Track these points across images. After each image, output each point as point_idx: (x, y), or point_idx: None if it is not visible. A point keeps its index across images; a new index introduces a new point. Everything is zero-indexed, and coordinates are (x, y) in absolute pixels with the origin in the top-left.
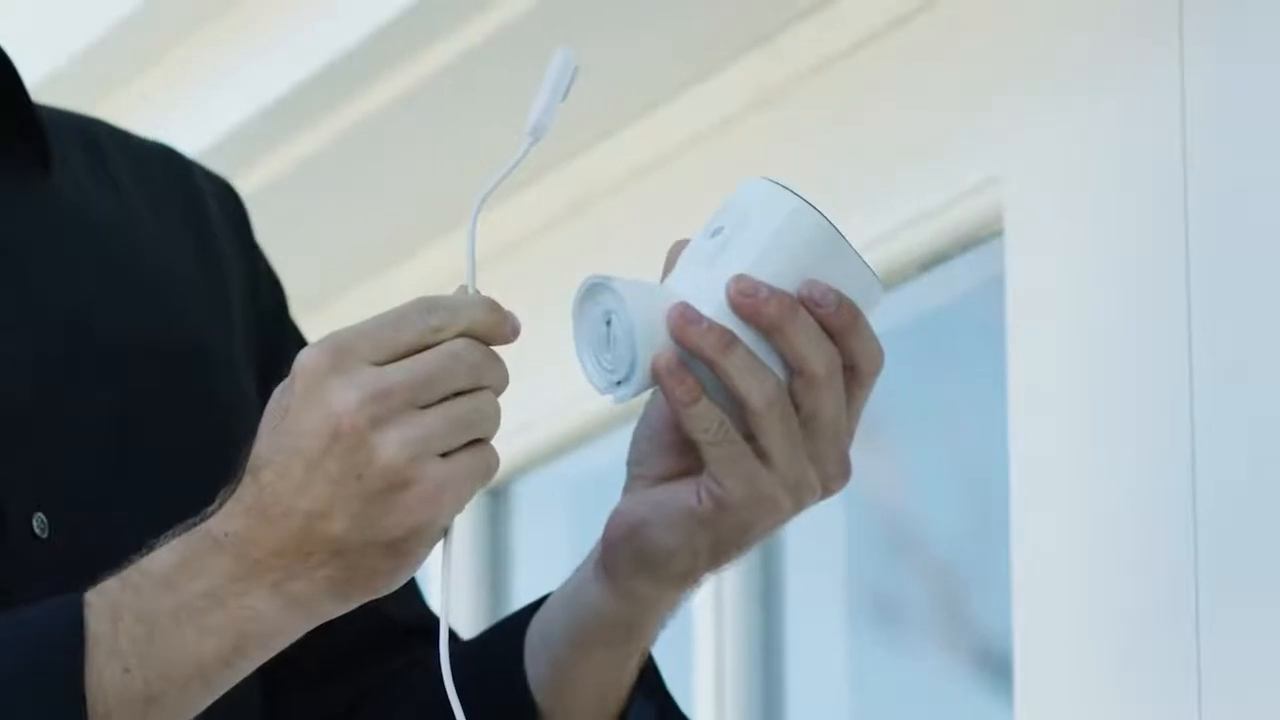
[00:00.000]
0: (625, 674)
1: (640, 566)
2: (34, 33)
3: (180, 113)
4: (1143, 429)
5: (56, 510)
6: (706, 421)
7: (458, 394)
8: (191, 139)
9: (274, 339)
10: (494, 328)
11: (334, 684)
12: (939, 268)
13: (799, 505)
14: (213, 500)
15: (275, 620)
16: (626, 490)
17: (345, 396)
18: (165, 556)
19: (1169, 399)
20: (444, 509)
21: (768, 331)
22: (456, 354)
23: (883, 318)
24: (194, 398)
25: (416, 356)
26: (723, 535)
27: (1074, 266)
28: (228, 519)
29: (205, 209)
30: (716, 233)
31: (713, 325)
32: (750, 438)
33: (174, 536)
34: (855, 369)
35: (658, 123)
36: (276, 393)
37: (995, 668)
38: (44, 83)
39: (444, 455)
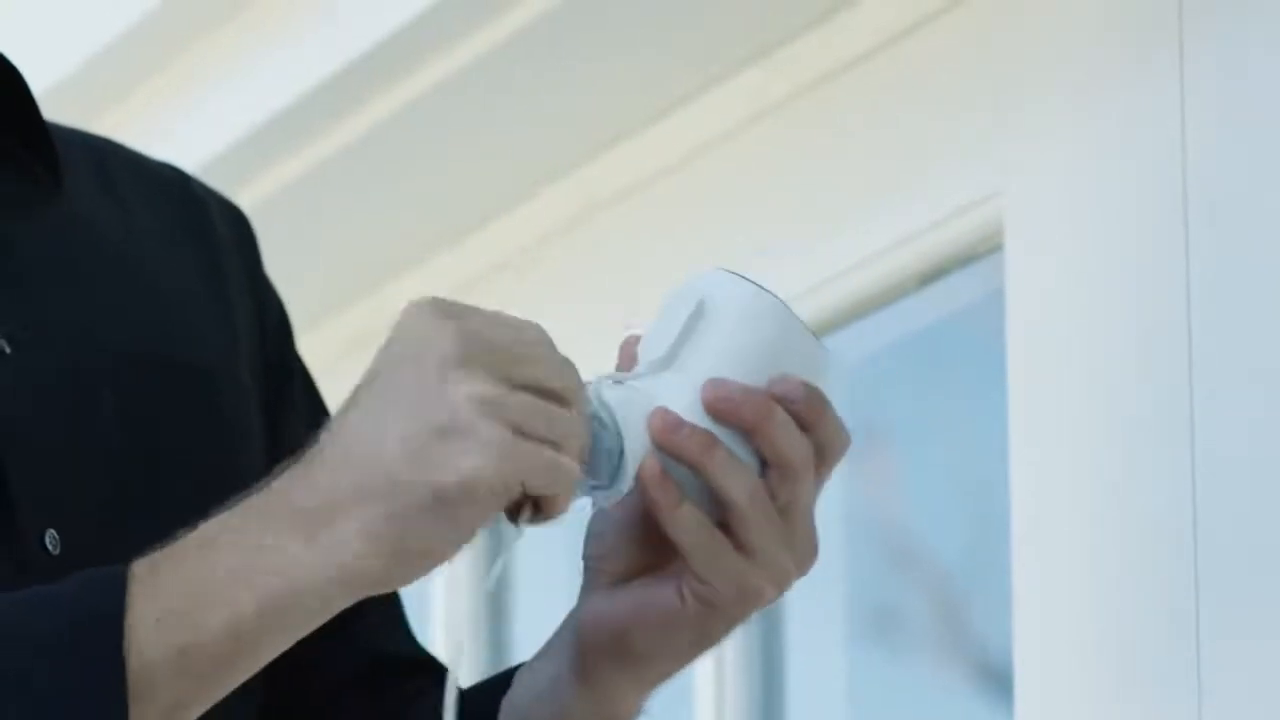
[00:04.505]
0: None
1: (622, 670)
2: (41, 42)
3: (185, 122)
4: (1143, 442)
5: (68, 526)
6: (689, 523)
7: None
8: (193, 149)
9: (277, 367)
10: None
11: (333, 715)
12: (939, 281)
13: (780, 592)
14: None
15: (308, 569)
16: (589, 587)
17: (447, 340)
18: (208, 524)
19: (1170, 412)
20: (495, 467)
21: (746, 432)
22: (559, 359)
23: (884, 331)
24: (199, 417)
25: (525, 338)
26: (704, 630)
27: (1074, 280)
28: (275, 476)
29: (213, 232)
30: (674, 331)
31: (694, 430)
32: (727, 530)
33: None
34: (824, 452)
35: (657, 136)
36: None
37: (995, 680)
38: (50, 93)
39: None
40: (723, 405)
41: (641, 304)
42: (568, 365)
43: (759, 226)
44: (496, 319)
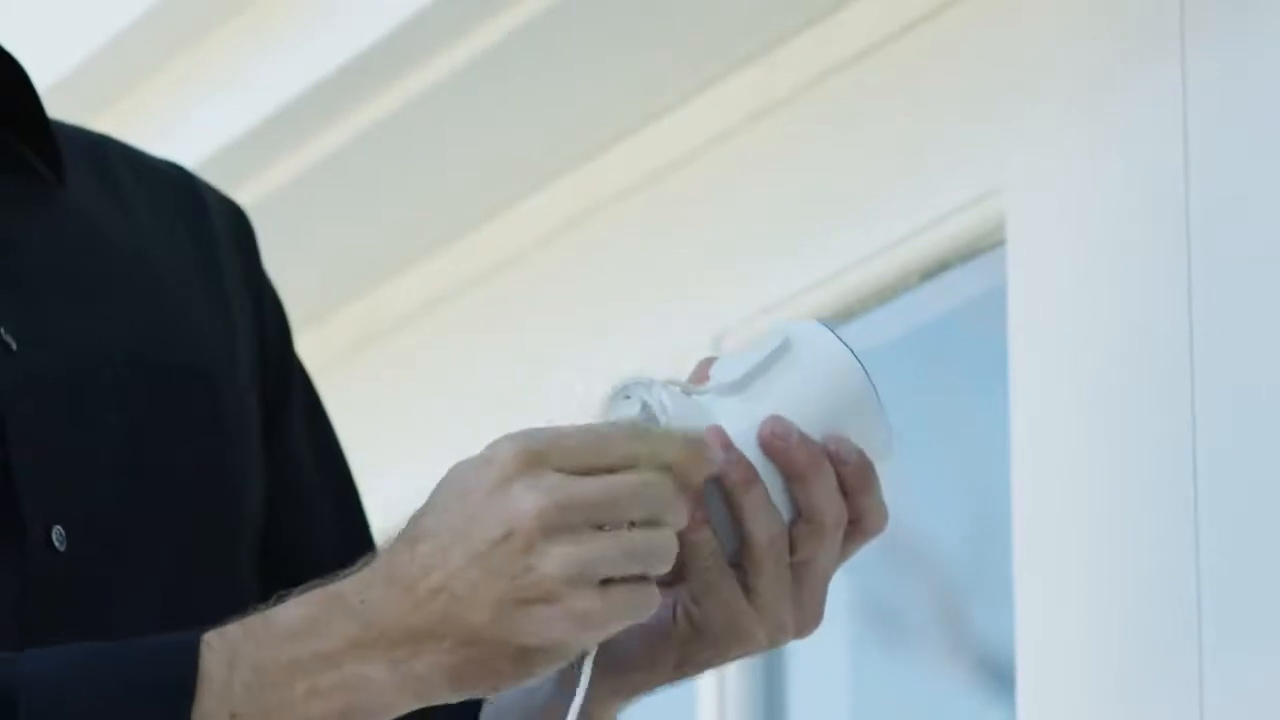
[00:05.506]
0: None
1: (602, 675)
2: (41, 39)
3: (184, 121)
4: (1145, 439)
5: (73, 523)
6: (704, 549)
7: (636, 523)
8: (192, 148)
9: (276, 367)
10: (692, 468)
11: None
12: (940, 277)
13: (773, 643)
14: (217, 522)
15: (386, 694)
16: None
17: (526, 499)
18: (293, 611)
19: (1171, 409)
20: (584, 636)
21: (791, 477)
22: (649, 484)
23: (885, 327)
24: (199, 420)
25: (609, 476)
26: (689, 655)
27: (1075, 277)
28: (366, 586)
29: (213, 230)
30: (754, 361)
31: (740, 459)
32: (737, 566)
33: (308, 590)
34: (859, 524)
35: (657, 135)
36: (458, 471)
37: (997, 678)
38: (50, 90)
39: (604, 582)
40: (779, 443)
41: (641, 304)
42: (661, 484)
43: (760, 225)
44: (578, 450)
